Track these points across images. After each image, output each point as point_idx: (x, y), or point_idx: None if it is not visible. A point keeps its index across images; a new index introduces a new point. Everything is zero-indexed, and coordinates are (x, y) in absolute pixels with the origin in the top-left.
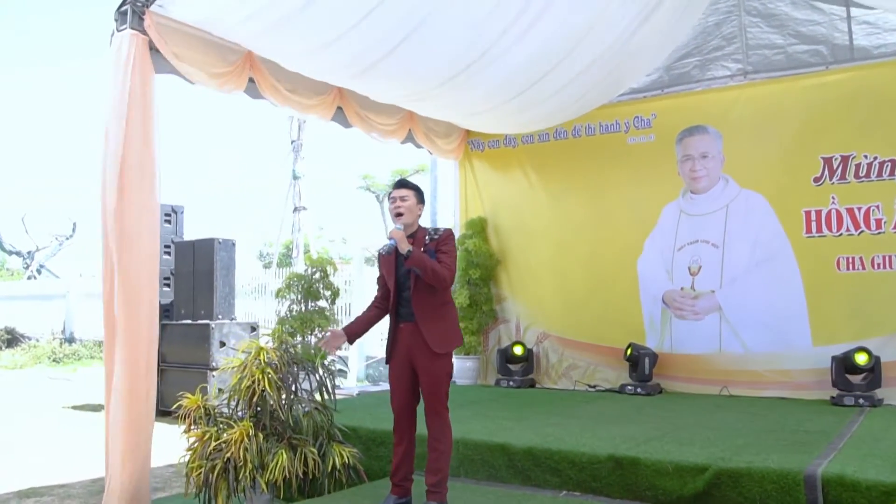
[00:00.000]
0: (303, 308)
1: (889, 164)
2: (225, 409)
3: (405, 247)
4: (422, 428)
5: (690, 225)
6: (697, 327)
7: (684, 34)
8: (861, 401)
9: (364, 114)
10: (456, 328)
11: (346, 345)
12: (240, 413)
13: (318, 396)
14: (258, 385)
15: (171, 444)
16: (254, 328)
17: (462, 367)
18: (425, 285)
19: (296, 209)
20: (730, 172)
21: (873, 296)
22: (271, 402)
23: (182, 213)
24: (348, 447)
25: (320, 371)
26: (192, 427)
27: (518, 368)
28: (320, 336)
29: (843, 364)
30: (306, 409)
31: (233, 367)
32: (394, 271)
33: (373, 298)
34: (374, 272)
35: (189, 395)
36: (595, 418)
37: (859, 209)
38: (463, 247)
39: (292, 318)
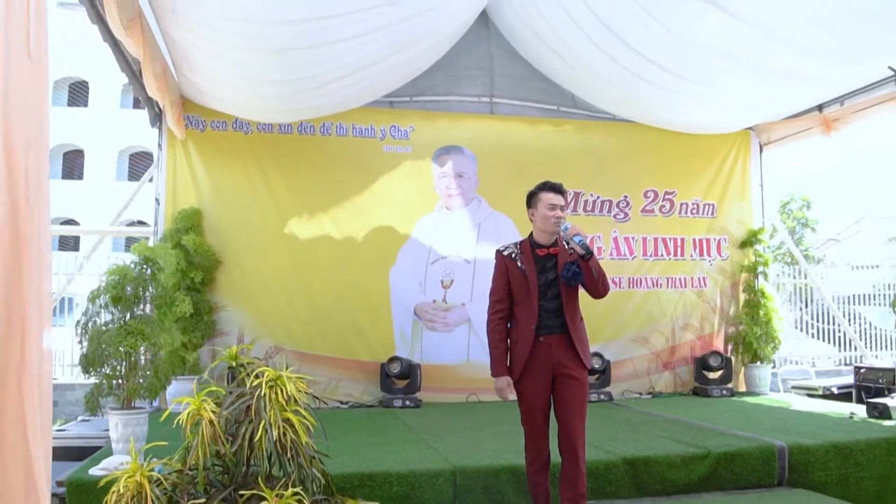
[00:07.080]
0: (125, 317)
1: (608, 203)
2: None
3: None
4: None
5: (444, 239)
6: (447, 338)
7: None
8: (602, 396)
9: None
10: None
11: None
12: None
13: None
14: None
15: None
16: None
17: (184, 390)
18: (574, 293)
19: None
20: (483, 194)
21: (595, 310)
22: None
23: None
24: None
25: None
26: None
27: None
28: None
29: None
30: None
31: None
32: (535, 276)
33: (496, 319)
34: None
35: None
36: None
37: (586, 237)
38: (176, 242)
39: (114, 333)
